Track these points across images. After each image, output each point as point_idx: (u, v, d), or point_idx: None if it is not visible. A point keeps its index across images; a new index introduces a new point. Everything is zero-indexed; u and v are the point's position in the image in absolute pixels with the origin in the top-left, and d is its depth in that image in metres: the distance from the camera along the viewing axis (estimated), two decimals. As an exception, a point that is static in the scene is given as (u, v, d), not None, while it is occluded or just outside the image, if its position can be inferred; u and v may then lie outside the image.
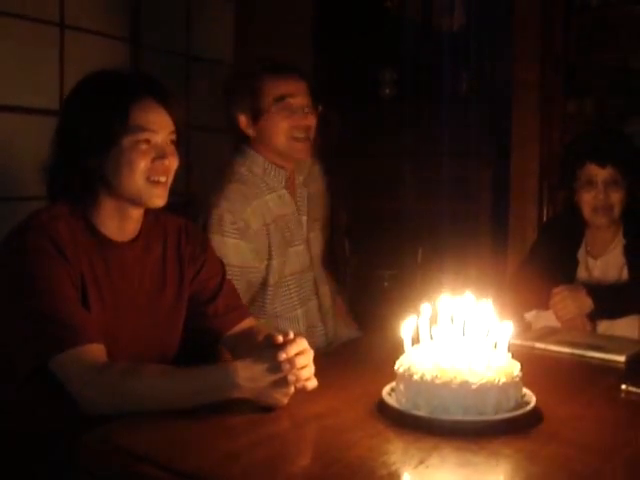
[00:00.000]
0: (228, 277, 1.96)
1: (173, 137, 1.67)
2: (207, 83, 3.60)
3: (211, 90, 3.62)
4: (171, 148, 1.66)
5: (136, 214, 1.70)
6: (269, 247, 2.29)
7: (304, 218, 2.43)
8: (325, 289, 2.52)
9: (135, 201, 1.65)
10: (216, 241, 2.14)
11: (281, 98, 2.26)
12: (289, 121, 2.26)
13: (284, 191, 2.36)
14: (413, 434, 1.33)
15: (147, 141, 1.62)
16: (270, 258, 2.29)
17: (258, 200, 2.28)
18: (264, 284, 2.30)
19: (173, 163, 1.66)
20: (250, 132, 2.30)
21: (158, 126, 1.63)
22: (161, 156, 1.63)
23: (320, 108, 2.35)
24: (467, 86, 3.70)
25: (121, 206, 1.66)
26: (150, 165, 1.62)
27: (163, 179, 1.64)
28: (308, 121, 2.29)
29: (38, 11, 2.79)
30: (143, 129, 1.61)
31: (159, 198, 1.66)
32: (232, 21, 3.73)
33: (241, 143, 2.35)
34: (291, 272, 2.36)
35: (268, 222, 2.29)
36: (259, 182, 2.31)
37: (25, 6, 2.76)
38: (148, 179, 1.62)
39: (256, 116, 2.27)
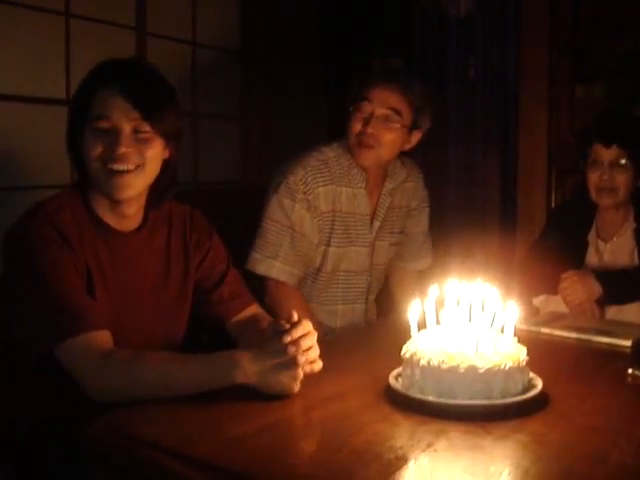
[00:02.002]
0: (281, 235, 2.23)
1: (145, 127, 1.60)
2: (213, 71, 3.59)
3: (217, 78, 3.62)
4: (139, 137, 1.60)
5: (126, 205, 1.66)
6: (330, 233, 2.34)
7: (377, 224, 2.44)
8: (372, 298, 2.56)
9: (104, 192, 1.62)
10: (285, 204, 2.26)
11: (357, 100, 2.29)
12: (355, 125, 2.30)
13: (363, 191, 2.39)
14: (420, 418, 1.32)
15: (103, 128, 1.58)
16: (328, 245, 2.35)
17: (333, 186, 2.33)
18: (318, 269, 2.37)
19: (133, 153, 1.59)
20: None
21: (112, 113, 1.58)
22: (115, 143, 1.57)
23: (416, 128, 2.39)
24: (475, 72, 3.68)
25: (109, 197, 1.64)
26: (103, 150, 1.58)
27: (121, 167, 1.58)
28: (372, 129, 2.27)
29: (43, 0, 2.79)
30: (99, 115, 1.58)
31: (120, 189, 1.59)
32: (238, 8, 3.72)
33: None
34: (346, 269, 2.41)
35: (337, 209, 2.34)
36: (341, 173, 2.35)
37: (30, -5, 2.76)
38: (105, 166, 1.58)
39: (344, 114, 2.35)
